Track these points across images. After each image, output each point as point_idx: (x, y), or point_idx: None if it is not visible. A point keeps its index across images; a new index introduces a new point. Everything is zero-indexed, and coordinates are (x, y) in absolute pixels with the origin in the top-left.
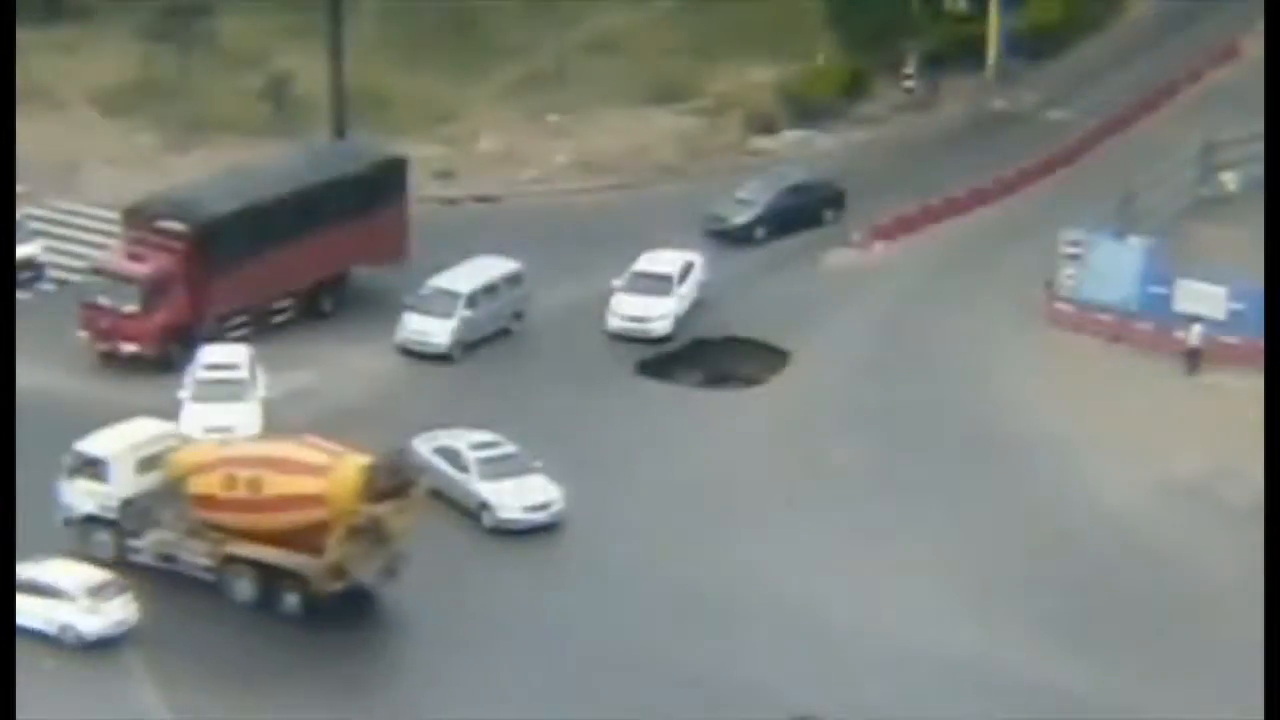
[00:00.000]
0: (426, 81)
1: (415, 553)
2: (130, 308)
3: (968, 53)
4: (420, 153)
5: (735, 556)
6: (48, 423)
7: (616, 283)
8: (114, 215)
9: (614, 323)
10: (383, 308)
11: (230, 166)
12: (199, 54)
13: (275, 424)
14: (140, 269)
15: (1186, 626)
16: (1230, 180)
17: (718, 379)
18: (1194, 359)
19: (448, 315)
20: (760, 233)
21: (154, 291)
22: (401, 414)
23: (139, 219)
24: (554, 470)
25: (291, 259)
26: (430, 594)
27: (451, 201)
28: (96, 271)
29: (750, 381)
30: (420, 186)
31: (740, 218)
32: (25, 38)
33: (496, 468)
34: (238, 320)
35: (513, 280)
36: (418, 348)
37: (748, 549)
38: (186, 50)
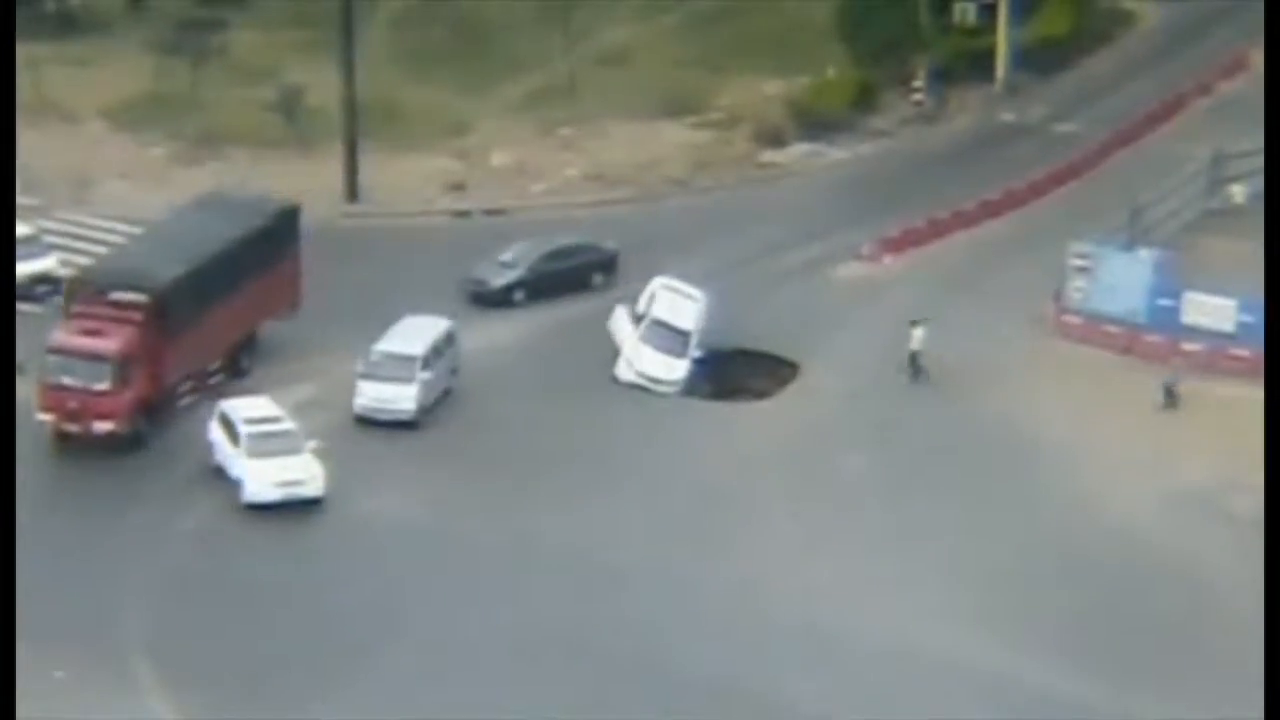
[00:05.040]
0: (438, 94)
1: None
2: (102, 385)
3: (976, 66)
4: (432, 165)
5: (741, 567)
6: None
7: (628, 313)
8: (127, 229)
9: (625, 373)
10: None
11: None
12: (211, 68)
13: None
14: (108, 345)
15: (1191, 635)
16: (1238, 193)
17: (728, 391)
18: (916, 364)
19: (408, 380)
20: (519, 296)
21: (125, 366)
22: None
23: (87, 292)
24: (559, 474)
25: (223, 318)
26: None
27: (463, 214)
28: (55, 351)
29: (760, 394)
30: (433, 199)
31: (499, 280)
32: (38, 52)
33: None
34: (184, 387)
35: (449, 338)
36: (381, 416)
37: (756, 560)
38: (199, 64)
